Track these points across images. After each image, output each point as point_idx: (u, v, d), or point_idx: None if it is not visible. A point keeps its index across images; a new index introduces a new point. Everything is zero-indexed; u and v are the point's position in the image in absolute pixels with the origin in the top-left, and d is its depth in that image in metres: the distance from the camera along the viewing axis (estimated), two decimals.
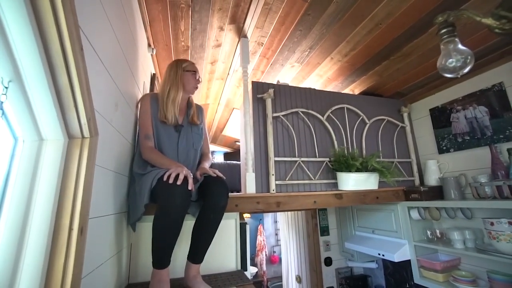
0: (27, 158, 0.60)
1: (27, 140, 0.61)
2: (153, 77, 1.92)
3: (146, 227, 1.27)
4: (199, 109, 1.47)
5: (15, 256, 0.53)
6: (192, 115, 1.38)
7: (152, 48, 1.77)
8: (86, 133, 0.67)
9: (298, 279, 3.15)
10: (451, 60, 0.75)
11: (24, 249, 0.54)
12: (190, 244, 1.16)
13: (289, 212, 3.44)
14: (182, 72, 1.33)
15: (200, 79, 1.41)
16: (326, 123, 1.95)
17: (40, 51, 0.52)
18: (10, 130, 0.58)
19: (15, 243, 0.54)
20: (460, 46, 0.77)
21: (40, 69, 0.53)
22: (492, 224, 1.49)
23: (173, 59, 1.50)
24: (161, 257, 1.02)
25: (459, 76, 0.78)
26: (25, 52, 0.50)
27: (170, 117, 1.26)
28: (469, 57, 0.74)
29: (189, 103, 1.41)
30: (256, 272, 4.83)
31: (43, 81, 0.54)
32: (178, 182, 0.96)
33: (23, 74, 0.53)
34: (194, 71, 1.37)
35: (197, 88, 1.40)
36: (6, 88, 0.51)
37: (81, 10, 0.62)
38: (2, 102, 0.51)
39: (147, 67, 1.72)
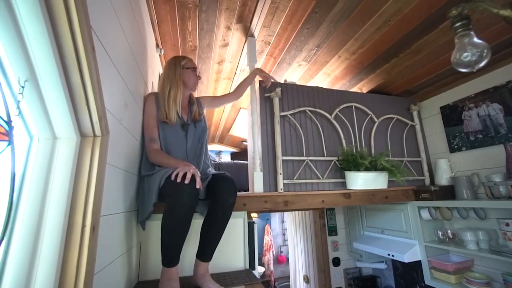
0: (41, 156, 0.61)
1: (41, 139, 0.62)
2: (160, 77, 1.94)
3: (155, 225, 1.28)
4: (198, 102, 1.48)
5: (32, 251, 0.55)
6: (195, 112, 1.39)
7: (160, 49, 1.79)
8: (98, 131, 0.68)
9: (306, 279, 3.13)
10: (466, 54, 0.73)
11: (40, 245, 0.56)
12: (199, 242, 1.16)
13: (296, 212, 3.43)
14: (181, 70, 1.33)
15: (200, 75, 1.42)
16: (334, 122, 1.93)
17: (54, 51, 0.53)
18: (26, 128, 0.59)
19: (32, 239, 0.55)
20: (475, 39, 0.74)
21: (54, 69, 0.54)
22: (507, 224, 1.45)
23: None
24: (170, 255, 1.03)
25: (474, 70, 0.76)
26: (40, 52, 0.52)
27: (172, 117, 1.26)
28: (485, 50, 0.72)
29: (191, 100, 1.42)
30: (264, 272, 4.82)
31: (57, 80, 0.56)
32: (186, 181, 0.96)
33: (38, 74, 0.54)
34: (194, 68, 1.37)
35: (197, 84, 1.41)
36: (23, 87, 0.52)
37: (93, 11, 0.63)
38: (19, 101, 0.53)
39: (155, 67, 1.74)
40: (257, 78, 1.81)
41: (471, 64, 0.73)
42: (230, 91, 2.57)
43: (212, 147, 4.57)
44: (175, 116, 1.27)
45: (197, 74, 1.39)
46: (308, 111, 1.90)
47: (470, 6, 0.69)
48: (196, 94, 1.50)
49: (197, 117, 1.39)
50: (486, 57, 0.72)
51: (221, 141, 4.45)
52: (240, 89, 1.69)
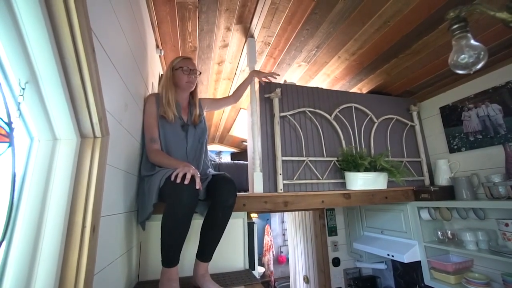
0: (42, 157, 0.61)
1: (42, 140, 0.63)
2: (161, 78, 1.94)
3: (155, 226, 1.28)
4: (198, 103, 1.46)
5: (32, 252, 0.55)
6: (195, 114, 1.37)
7: (160, 49, 1.80)
8: (98, 132, 0.68)
9: (306, 280, 3.13)
10: (463, 56, 0.73)
11: (40, 245, 0.56)
12: (199, 242, 1.17)
13: (296, 212, 3.43)
14: (171, 73, 1.32)
15: (194, 71, 1.34)
16: (334, 122, 1.94)
17: (54, 53, 0.53)
18: (27, 130, 0.60)
19: (32, 239, 0.56)
20: (472, 41, 0.75)
21: (54, 71, 0.55)
22: (507, 225, 1.45)
23: None
24: (170, 256, 1.03)
25: (471, 72, 0.76)
26: (40, 54, 0.52)
27: (170, 116, 1.27)
28: (482, 52, 0.72)
29: (191, 101, 1.41)
30: (264, 272, 4.83)
31: (57, 82, 0.56)
32: (186, 182, 0.96)
33: (38, 76, 0.54)
34: (181, 67, 1.31)
35: (191, 82, 1.34)
36: (23, 89, 0.53)
37: (92, 12, 0.64)
38: (19, 103, 0.53)
39: (155, 68, 1.75)
40: (257, 79, 1.81)
41: (468, 66, 0.74)
42: (230, 92, 2.59)
43: (212, 147, 4.57)
44: (172, 117, 1.28)
45: (188, 72, 1.32)
46: (308, 112, 1.91)
47: (468, 9, 0.70)
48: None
49: (197, 119, 1.38)
50: (483, 59, 0.72)
51: (221, 141, 4.45)
52: (238, 92, 1.69)
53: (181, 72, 1.32)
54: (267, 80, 1.80)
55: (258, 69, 2.12)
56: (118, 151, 0.92)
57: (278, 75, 1.79)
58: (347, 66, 2.10)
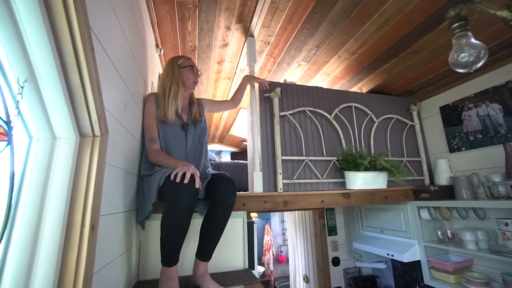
0: (41, 156, 0.61)
1: (41, 139, 0.63)
2: (160, 77, 1.94)
3: (155, 225, 1.28)
4: (199, 102, 1.48)
5: (31, 251, 0.55)
6: (195, 113, 1.38)
7: (160, 49, 1.79)
8: (97, 131, 0.68)
9: (306, 279, 3.13)
10: (463, 54, 0.73)
11: (39, 244, 0.56)
12: (198, 242, 1.16)
13: (296, 212, 3.43)
14: (178, 70, 1.33)
15: (199, 73, 1.41)
16: (334, 122, 1.94)
17: (53, 52, 0.53)
18: (26, 129, 0.59)
19: (31, 238, 0.55)
20: (472, 40, 0.75)
21: (53, 69, 0.55)
22: (506, 224, 1.45)
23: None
24: (170, 255, 1.03)
25: (471, 71, 0.76)
26: (39, 53, 0.52)
27: (170, 115, 1.25)
28: (483, 51, 0.72)
29: (191, 101, 1.42)
30: (263, 271, 4.83)
31: (56, 80, 0.56)
32: (185, 181, 0.96)
33: (37, 74, 0.54)
34: (191, 66, 1.36)
35: (196, 82, 1.39)
36: (22, 87, 0.53)
37: (92, 11, 0.63)
38: (18, 102, 0.53)
39: (155, 67, 1.75)
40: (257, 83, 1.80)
41: (469, 64, 0.74)
42: (230, 92, 2.59)
43: (212, 147, 4.57)
44: (173, 114, 1.26)
45: (195, 72, 1.38)
46: (307, 111, 1.91)
47: (468, 7, 0.70)
48: (196, 95, 1.51)
49: (197, 118, 1.38)
50: (483, 57, 0.72)
51: (221, 141, 4.45)
52: (236, 97, 1.70)
53: (190, 71, 1.35)
54: (261, 88, 1.79)
55: (258, 68, 2.13)
56: (117, 150, 0.92)
57: (269, 84, 1.78)
58: (347, 65, 2.09)
